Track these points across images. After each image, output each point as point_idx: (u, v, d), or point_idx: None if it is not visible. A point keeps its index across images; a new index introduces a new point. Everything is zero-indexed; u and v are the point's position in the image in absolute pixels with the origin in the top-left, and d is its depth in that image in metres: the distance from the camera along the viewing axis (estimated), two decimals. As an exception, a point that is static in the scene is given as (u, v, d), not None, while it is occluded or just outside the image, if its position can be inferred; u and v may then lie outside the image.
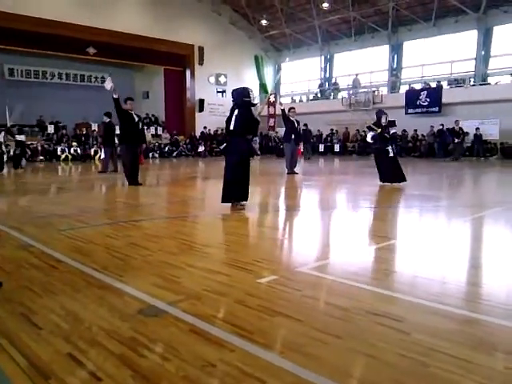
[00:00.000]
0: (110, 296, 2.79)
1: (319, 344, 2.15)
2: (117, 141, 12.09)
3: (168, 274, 3.22)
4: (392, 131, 9.20)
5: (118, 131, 16.87)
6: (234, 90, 6.53)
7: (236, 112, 6.22)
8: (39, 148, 20.16)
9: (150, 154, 22.69)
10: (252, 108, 6.28)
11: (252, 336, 2.22)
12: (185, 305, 2.63)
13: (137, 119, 9.64)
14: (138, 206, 7.15)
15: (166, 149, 24.43)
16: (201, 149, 24.77)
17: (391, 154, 9.10)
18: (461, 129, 19.38)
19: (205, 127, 25.60)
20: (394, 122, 9.49)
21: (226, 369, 1.93)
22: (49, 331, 2.29)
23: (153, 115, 26.88)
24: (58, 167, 17.01)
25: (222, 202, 6.27)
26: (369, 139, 9.46)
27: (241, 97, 6.26)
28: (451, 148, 19.68)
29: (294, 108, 12.50)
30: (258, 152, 12.03)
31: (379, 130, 9.19)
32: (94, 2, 21.62)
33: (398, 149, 9.40)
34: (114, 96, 9.22)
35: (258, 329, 2.32)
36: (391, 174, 9.12)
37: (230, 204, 6.33)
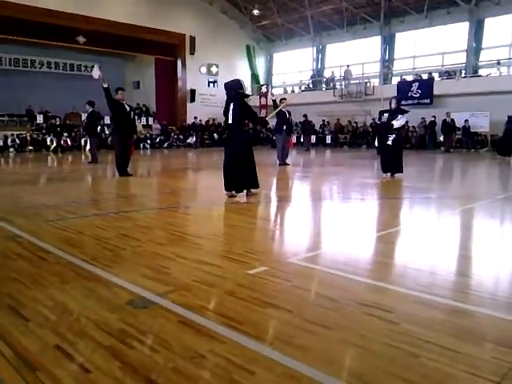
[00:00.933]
0: (99, 287, 2.77)
1: (309, 335, 2.16)
2: (107, 131, 11.98)
3: (158, 265, 3.21)
4: (396, 122, 8.93)
5: (106, 121, 16.69)
6: (226, 84, 6.58)
7: (232, 106, 6.27)
8: (28, 138, 19.92)
9: (141, 145, 22.53)
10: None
11: (242, 327, 2.22)
12: (174, 296, 2.61)
13: (128, 109, 9.52)
14: (129, 197, 7.10)
15: (157, 139, 24.27)
16: (191, 139, 24.64)
17: (389, 142, 9.04)
18: (452, 120, 19.46)
19: (195, 117, 25.43)
20: (404, 110, 9.32)
21: (216, 360, 1.92)
22: (37, 323, 2.27)
23: (144, 105, 26.65)
24: (48, 157, 16.84)
25: (226, 190, 6.40)
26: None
27: (234, 90, 6.32)
28: (442, 140, 19.77)
29: (285, 98, 12.44)
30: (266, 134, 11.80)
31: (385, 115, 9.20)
32: (84, -11, 21.29)
33: (395, 139, 9.11)
34: (104, 85, 9.09)
35: (248, 320, 2.31)
36: (384, 163, 9.12)
37: (225, 194, 6.41)
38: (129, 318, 2.33)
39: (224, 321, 2.29)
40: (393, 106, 9.15)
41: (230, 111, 6.30)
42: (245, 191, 6.53)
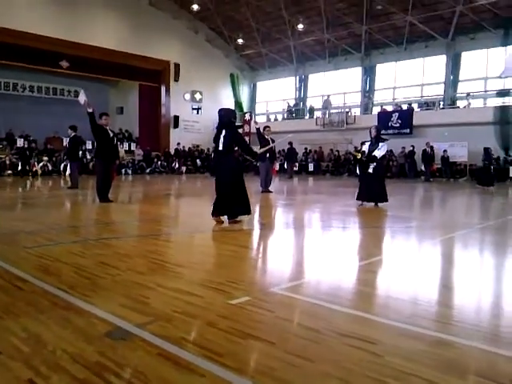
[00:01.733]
0: (75, 317, 2.68)
1: (291, 368, 2.11)
2: (88, 156, 11.87)
3: (137, 294, 3.13)
4: (376, 153, 8.95)
5: (88, 146, 16.57)
6: (222, 109, 6.75)
7: (224, 132, 6.43)
8: (7, 162, 19.64)
9: (123, 170, 22.40)
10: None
11: (223, 359, 2.16)
12: (154, 327, 2.54)
13: (111, 135, 9.48)
14: (109, 224, 6.99)
15: (140, 165, 24.19)
16: (175, 165, 24.62)
17: (370, 171, 9.06)
18: (432, 151, 19.88)
19: (178, 143, 25.50)
20: (384, 139, 9.37)
21: (196, 395, 1.86)
22: (9, 355, 2.17)
23: (126, 131, 26.65)
24: (27, 182, 16.57)
25: (213, 214, 6.44)
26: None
27: (229, 117, 6.55)
28: (422, 170, 20.13)
29: (269, 127, 12.58)
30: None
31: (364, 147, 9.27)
32: (68, 15, 21.49)
33: (376, 167, 9.14)
34: (89, 110, 9.04)
35: (229, 352, 2.26)
36: (364, 192, 9.11)
37: (213, 219, 6.43)
38: (106, 350, 2.25)
39: (204, 353, 2.23)
40: (373, 134, 9.21)
41: (221, 138, 6.41)
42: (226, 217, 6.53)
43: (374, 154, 8.99)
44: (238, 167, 6.68)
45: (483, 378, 2.04)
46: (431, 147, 19.92)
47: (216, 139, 6.54)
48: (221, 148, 6.44)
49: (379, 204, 9.08)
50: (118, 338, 2.40)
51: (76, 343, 2.32)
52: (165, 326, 2.56)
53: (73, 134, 12.90)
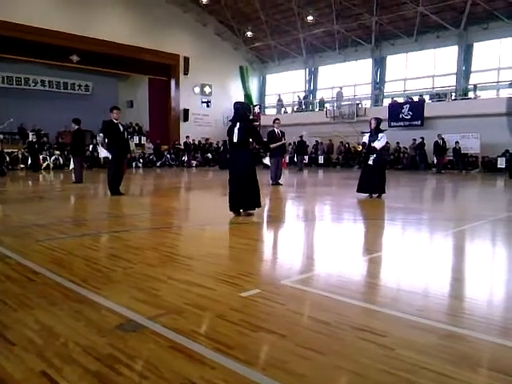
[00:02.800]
0: (87, 310, 2.71)
1: (302, 360, 2.11)
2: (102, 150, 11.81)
3: (149, 287, 3.15)
4: (375, 144, 8.99)
5: (98, 139, 16.48)
6: (237, 103, 6.86)
7: (238, 125, 6.48)
8: (20, 156, 19.83)
9: (133, 164, 22.51)
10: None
11: (234, 352, 2.17)
12: (165, 320, 2.56)
13: (122, 129, 9.50)
14: (120, 217, 7.04)
15: (150, 158, 24.29)
16: (184, 159, 24.67)
17: (370, 162, 9.07)
18: (444, 142, 19.66)
19: (187, 137, 25.50)
20: (381, 130, 9.30)
21: (207, 387, 1.87)
22: (22, 347, 2.20)
23: (137, 124, 26.73)
24: (39, 176, 16.73)
25: (231, 210, 6.54)
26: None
27: (244, 111, 6.67)
28: (433, 162, 19.91)
29: (278, 119, 12.54)
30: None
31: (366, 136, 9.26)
32: (78, 9, 21.54)
33: (376, 159, 9.05)
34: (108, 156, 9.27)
35: (239, 345, 2.26)
36: (364, 183, 9.13)
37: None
38: (118, 342, 2.27)
39: (215, 345, 2.24)
40: (372, 125, 9.20)
41: (236, 130, 6.47)
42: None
43: (373, 145, 9.00)
44: (252, 161, 6.69)
45: (495, 371, 2.02)
46: (442, 139, 19.71)
47: (230, 132, 6.59)
48: (235, 140, 6.50)
49: (381, 195, 9.10)
50: (129, 330, 2.42)
51: (88, 335, 2.34)
52: (176, 319, 2.58)
53: (76, 128, 12.79)
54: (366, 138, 9.31)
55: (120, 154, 9.41)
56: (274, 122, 12.25)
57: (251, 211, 6.65)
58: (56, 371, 1.98)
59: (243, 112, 6.63)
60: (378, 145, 9.00)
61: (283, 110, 29.19)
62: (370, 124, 9.30)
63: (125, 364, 2.05)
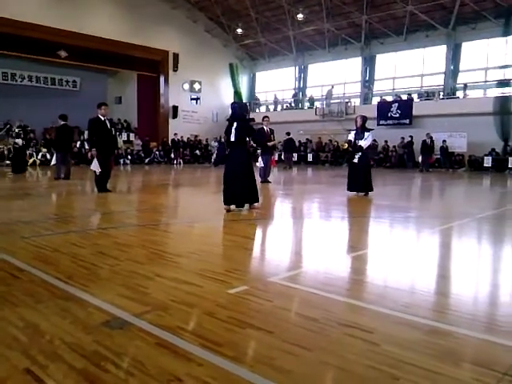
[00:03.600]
0: (73, 307, 2.68)
1: (289, 357, 2.12)
2: (86, 146, 11.69)
3: (136, 284, 3.14)
4: (361, 143, 9.03)
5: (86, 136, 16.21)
6: (235, 103, 7.19)
7: (235, 125, 6.67)
8: (6, 152, 19.58)
9: (121, 161, 22.35)
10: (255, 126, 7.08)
11: (221, 349, 2.17)
12: (152, 316, 2.55)
13: (109, 126, 9.38)
14: (107, 214, 6.99)
15: (138, 155, 24.15)
16: (173, 156, 24.57)
17: (355, 161, 9.12)
18: (432, 141, 19.81)
19: (175, 134, 25.38)
20: (368, 129, 9.39)
21: (193, 383, 1.87)
22: (6, 345, 2.18)
23: (125, 121, 26.55)
24: (26, 172, 16.52)
25: (225, 204, 6.70)
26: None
27: (242, 111, 6.95)
28: (420, 160, 20.02)
29: (267, 117, 12.52)
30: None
31: (352, 133, 9.30)
32: (66, 5, 21.31)
33: (361, 157, 9.11)
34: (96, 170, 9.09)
35: (227, 341, 2.26)
36: (353, 182, 9.18)
37: (224, 208, 6.63)
38: (104, 339, 2.25)
39: (202, 342, 2.23)
40: (358, 124, 9.24)
41: (233, 129, 6.66)
42: (247, 205, 6.90)
43: (359, 143, 9.04)
44: (249, 158, 6.91)
45: (479, 366, 2.04)
46: (431, 138, 19.86)
47: (228, 131, 6.79)
48: (233, 139, 6.68)
49: (369, 193, 9.16)
50: (116, 327, 2.41)
51: (74, 333, 2.33)
52: (163, 316, 2.57)
53: (61, 123, 12.58)
54: (351, 136, 9.35)
55: (107, 151, 9.27)
56: (263, 119, 12.24)
57: (255, 205, 6.91)
58: (41, 368, 1.96)
59: (240, 112, 6.86)
60: (364, 144, 9.05)
61: (272, 107, 29.19)
62: (356, 122, 9.36)
63: (111, 361, 2.04)
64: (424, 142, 19.77)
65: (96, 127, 9.10)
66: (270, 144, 9.99)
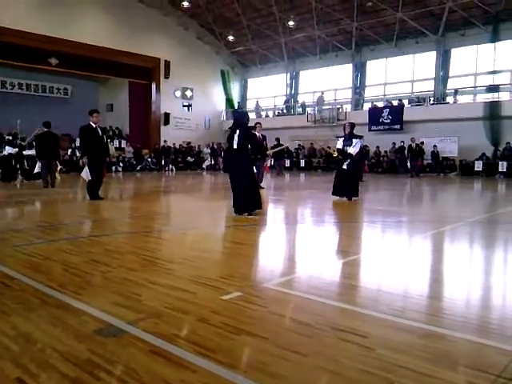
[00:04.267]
0: (65, 315, 2.66)
1: (284, 362, 2.11)
2: (78, 153, 11.57)
3: (129, 291, 3.11)
4: (350, 150, 9.18)
5: (77, 143, 15.98)
6: (236, 112, 7.59)
7: (238, 132, 6.86)
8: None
9: (113, 168, 22.25)
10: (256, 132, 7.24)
11: (215, 355, 2.15)
12: (145, 324, 2.53)
13: (101, 133, 9.31)
14: (99, 221, 6.95)
15: (130, 162, 24.07)
16: (163, 163, 24.51)
17: (344, 167, 9.25)
18: (417, 145, 19.83)
19: (165, 141, 25.27)
20: (357, 136, 9.52)
21: (187, 391, 1.85)
22: (-3, 354, 2.15)
23: (117, 128, 26.48)
24: (16, 180, 16.38)
25: (236, 213, 6.94)
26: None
27: (243, 119, 7.06)
28: (410, 165, 20.08)
29: (259, 123, 12.54)
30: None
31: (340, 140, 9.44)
32: (58, 12, 21.27)
33: (350, 164, 9.25)
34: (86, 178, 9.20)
35: (221, 348, 2.25)
36: (338, 186, 9.32)
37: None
38: (97, 347, 2.23)
39: (196, 349, 2.22)
40: (347, 130, 9.41)
41: (235, 137, 6.83)
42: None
43: (349, 151, 9.20)
44: (251, 165, 7.09)
45: (473, 369, 2.05)
46: (416, 144, 19.82)
47: (230, 138, 6.95)
48: (235, 147, 6.84)
49: (353, 198, 9.29)
50: (109, 335, 2.38)
51: (66, 341, 2.30)
52: (156, 323, 2.55)
53: (45, 131, 12.42)
54: (340, 144, 9.52)
55: (99, 159, 9.21)
56: (255, 125, 12.25)
57: (256, 211, 7.00)
58: (32, 378, 1.93)
59: (242, 120, 7.02)
60: (353, 151, 9.22)
61: (264, 113, 29.26)
62: (345, 129, 9.55)
63: (104, 369, 2.02)
64: (410, 146, 19.79)
65: (87, 135, 9.05)
66: (269, 152, 10.14)
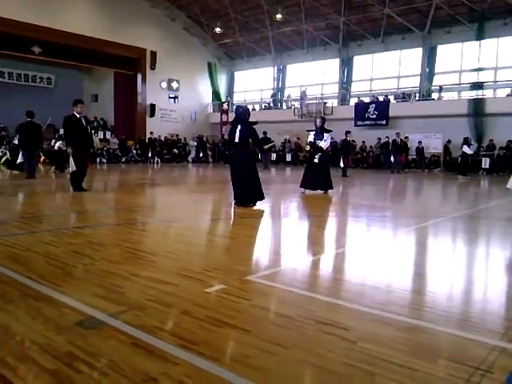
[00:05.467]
0: (46, 307, 2.61)
1: (266, 355, 2.11)
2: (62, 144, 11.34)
3: (111, 283, 3.08)
4: (322, 144, 9.37)
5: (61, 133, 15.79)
6: (239, 107, 7.66)
7: (239, 127, 7.18)
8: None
9: (98, 159, 21.99)
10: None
11: (197, 348, 2.14)
12: (127, 316, 2.50)
13: (85, 123, 9.19)
14: (83, 213, 6.86)
15: (115, 154, 23.81)
16: (150, 154, 24.32)
17: (315, 161, 9.46)
18: (402, 141, 19.88)
19: (151, 133, 25.05)
20: (327, 130, 9.72)
21: (169, 383, 1.84)
22: (-26, 347, 2.11)
23: (101, 119, 26.16)
24: (-2, 170, 16.14)
25: (237, 204, 7.20)
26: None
27: (245, 114, 7.34)
28: (394, 160, 20.18)
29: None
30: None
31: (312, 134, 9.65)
32: None
33: (321, 158, 9.48)
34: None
35: (203, 340, 2.24)
36: (309, 180, 9.49)
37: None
38: (77, 339, 2.20)
39: (178, 342, 2.20)
40: (318, 124, 9.63)
41: (237, 132, 7.15)
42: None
43: (320, 145, 9.43)
44: (252, 158, 7.44)
45: (453, 361, 2.07)
46: (401, 139, 19.85)
47: (232, 133, 7.26)
48: (237, 140, 7.15)
49: (328, 191, 9.55)
50: (89, 327, 2.35)
51: (46, 333, 2.26)
52: (138, 315, 2.52)
53: (27, 120, 12.18)
54: (311, 137, 9.72)
55: (83, 149, 9.07)
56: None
57: (255, 203, 7.23)
58: (10, 371, 1.90)
59: (244, 116, 7.31)
60: (324, 145, 9.47)
61: (251, 107, 29.17)
62: (316, 123, 9.74)
63: (84, 361, 1.99)
64: (394, 141, 19.80)
65: (71, 125, 8.90)
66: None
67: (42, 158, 18.52)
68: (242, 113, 7.41)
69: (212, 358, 2.06)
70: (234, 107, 7.69)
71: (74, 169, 8.91)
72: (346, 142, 16.46)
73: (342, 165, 15.70)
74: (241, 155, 7.21)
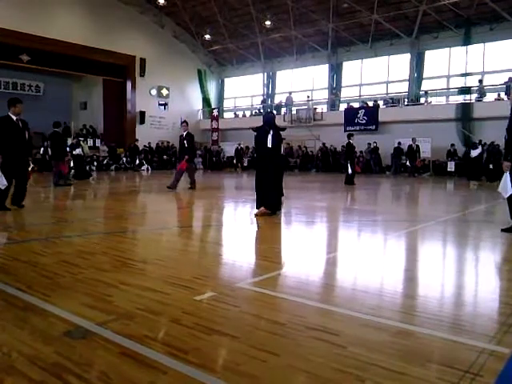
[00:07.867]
0: (33, 317, 2.58)
1: (256, 362, 2.10)
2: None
3: (100, 292, 3.05)
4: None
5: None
6: (270, 112, 8.12)
7: (271, 132, 7.08)
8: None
9: (88, 167, 21.81)
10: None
11: (187, 356, 2.13)
12: (116, 325, 2.48)
13: (22, 126, 7.44)
14: (71, 222, 6.80)
15: (105, 162, 23.67)
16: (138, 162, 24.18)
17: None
18: (417, 146, 20.10)
19: (136, 140, 24.84)
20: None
21: (158, 393, 1.82)
22: (-41, 359, 2.07)
23: (91, 126, 26.02)
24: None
25: (269, 210, 6.98)
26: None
27: (273, 121, 7.34)
28: (411, 165, 20.30)
29: (185, 122, 12.49)
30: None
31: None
32: (29, 7, 20.76)
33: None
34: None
35: (193, 348, 2.22)
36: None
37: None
38: (65, 350, 2.17)
39: (168, 350, 2.18)
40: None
41: (270, 137, 7.03)
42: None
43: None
44: (283, 165, 7.47)
45: (442, 365, 2.08)
46: (416, 144, 20.01)
47: (261, 138, 7.10)
48: (269, 145, 7.03)
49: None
50: (78, 337, 2.33)
51: (33, 344, 2.23)
52: (127, 324, 2.50)
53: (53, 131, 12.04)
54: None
55: (16, 157, 7.23)
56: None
57: (275, 212, 7.05)
58: (-4, 383, 1.87)
59: (274, 121, 7.32)
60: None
61: (241, 113, 29.20)
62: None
63: (72, 372, 1.97)
64: (410, 146, 20.00)
65: (4, 128, 7.18)
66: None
67: (31, 165, 18.35)
68: (273, 117, 7.48)
69: (202, 366, 2.04)
70: (263, 113, 7.66)
71: (5, 184, 6.90)
72: (350, 145, 14.91)
73: (350, 171, 14.42)
74: (273, 160, 7.09)
